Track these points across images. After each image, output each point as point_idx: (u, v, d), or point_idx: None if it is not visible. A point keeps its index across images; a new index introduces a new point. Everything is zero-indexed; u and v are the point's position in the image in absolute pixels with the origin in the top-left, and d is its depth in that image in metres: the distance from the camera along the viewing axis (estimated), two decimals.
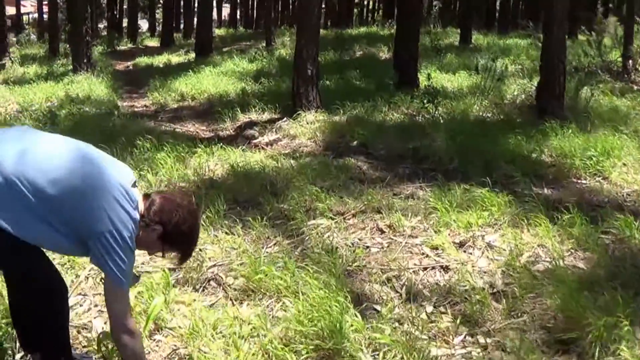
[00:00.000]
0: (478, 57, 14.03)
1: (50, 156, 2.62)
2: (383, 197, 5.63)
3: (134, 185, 2.79)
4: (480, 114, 9.49)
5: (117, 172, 2.75)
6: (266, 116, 9.55)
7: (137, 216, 2.70)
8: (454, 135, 7.59)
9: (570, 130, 7.62)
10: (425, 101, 9.21)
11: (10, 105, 11.28)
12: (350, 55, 17.45)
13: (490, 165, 6.65)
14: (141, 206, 2.74)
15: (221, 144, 7.45)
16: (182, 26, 39.43)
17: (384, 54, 17.42)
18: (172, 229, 2.73)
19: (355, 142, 7.84)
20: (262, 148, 7.81)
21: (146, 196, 2.81)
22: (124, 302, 2.72)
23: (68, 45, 18.21)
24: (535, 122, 8.39)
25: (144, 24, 58.26)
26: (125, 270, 2.62)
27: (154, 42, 31.98)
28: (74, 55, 15.62)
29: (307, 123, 8.69)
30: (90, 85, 12.74)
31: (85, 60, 15.30)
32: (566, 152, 6.93)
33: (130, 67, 18.89)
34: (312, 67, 9.47)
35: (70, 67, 15.75)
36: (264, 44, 21.17)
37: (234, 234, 4.85)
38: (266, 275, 3.98)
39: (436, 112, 9.00)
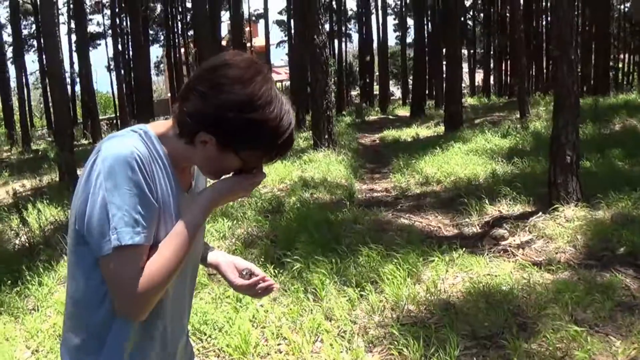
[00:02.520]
0: None
1: None
2: None
3: None
4: None
5: None
6: (518, 209, 8.40)
7: (142, 132, 1.66)
8: None
9: None
10: None
11: None
12: (609, 129, 15.70)
13: None
14: (160, 128, 1.71)
15: (464, 248, 6.54)
16: (434, 93, 38.94)
17: None
18: (231, 123, 1.55)
19: (622, 250, 6.49)
20: (512, 253, 6.73)
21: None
22: (131, 266, 1.58)
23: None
24: None
25: (397, 91, 59.62)
26: (130, 216, 1.55)
27: (404, 111, 31.97)
28: (314, 130, 15.50)
29: (566, 220, 7.44)
30: (329, 165, 12.37)
31: (326, 136, 15.03)
32: None
33: (377, 141, 18.59)
34: (572, 152, 8.20)
35: (312, 141, 15.67)
36: (518, 116, 19.97)
37: None
38: None
39: None
